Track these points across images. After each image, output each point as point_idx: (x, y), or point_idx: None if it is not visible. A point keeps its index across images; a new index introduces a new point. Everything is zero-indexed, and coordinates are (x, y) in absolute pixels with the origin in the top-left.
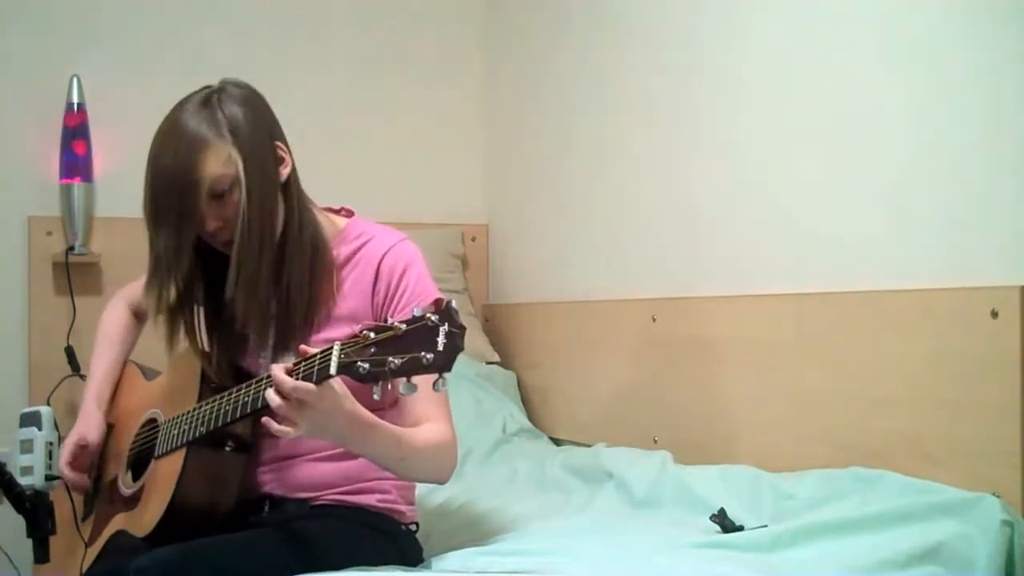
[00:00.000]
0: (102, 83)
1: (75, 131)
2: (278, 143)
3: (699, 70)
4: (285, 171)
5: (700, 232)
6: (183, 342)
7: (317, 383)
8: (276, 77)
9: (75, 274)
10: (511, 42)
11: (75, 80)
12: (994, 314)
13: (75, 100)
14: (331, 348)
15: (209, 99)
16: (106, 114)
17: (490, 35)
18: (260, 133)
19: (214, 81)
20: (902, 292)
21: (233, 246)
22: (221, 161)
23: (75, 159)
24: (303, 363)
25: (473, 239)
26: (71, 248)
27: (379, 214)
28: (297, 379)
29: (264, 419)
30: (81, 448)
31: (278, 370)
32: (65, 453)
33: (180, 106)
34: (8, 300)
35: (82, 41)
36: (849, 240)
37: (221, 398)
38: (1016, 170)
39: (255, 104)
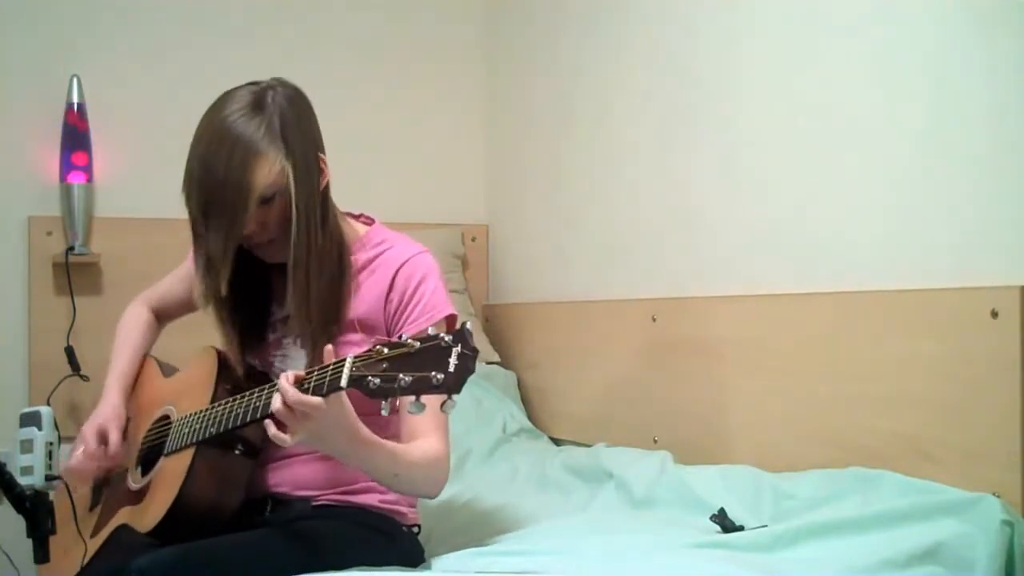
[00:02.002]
0: (102, 83)
1: (75, 131)
2: (321, 155)
3: (699, 70)
4: (324, 182)
5: (700, 232)
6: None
7: (327, 394)
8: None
9: (75, 274)
10: (512, 42)
11: (75, 80)
12: (994, 314)
13: (75, 100)
14: (344, 360)
15: (262, 101)
16: (106, 114)
17: (491, 35)
18: (309, 143)
19: (215, 82)
20: (902, 292)
21: (289, 255)
22: (275, 171)
23: (75, 159)
24: (315, 372)
25: (473, 239)
26: (71, 248)
27: (379, 214)
28: (309, 387)
29: (266, 422)
30: (102, 437)
31: (284, 379)
32: (91, 439)
33: (229, 103)
34: (8, 300)
35: (82, 41)
36: (849, 240)
37: (234, 400)
38: (1017, 170)
39: (304, 111)
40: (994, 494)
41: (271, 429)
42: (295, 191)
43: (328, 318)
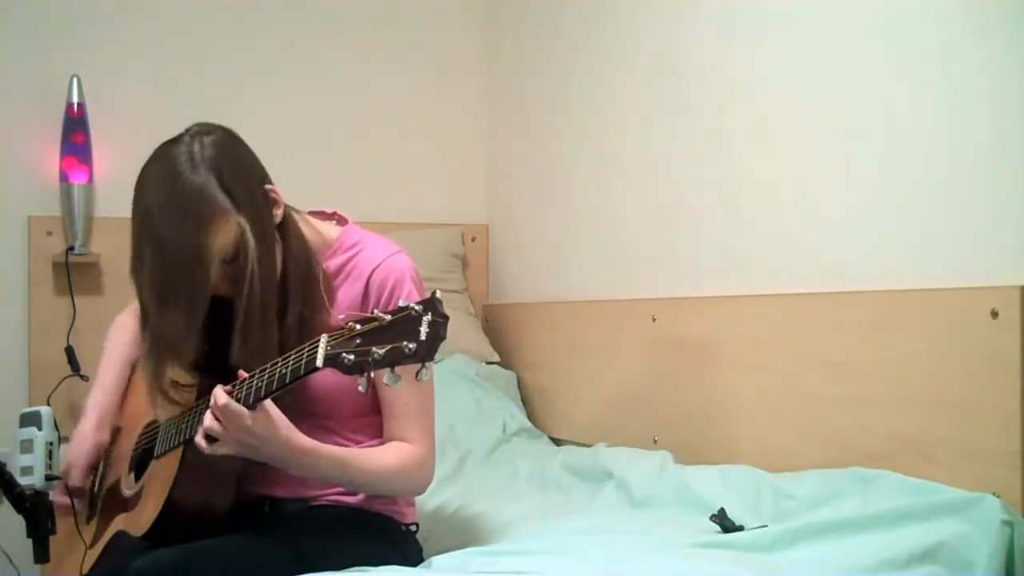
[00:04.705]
0: (102, 83)
1: (75, 130)
2: (268, 187)
3: (699, 70)
4: (279, 212)
5: (700, 232)
6: None
7: (305, 375)
8: (277, 78)
9: (75, 274)
10: (512, 43)
11: (75, 80)
12: (994, 314)
13: (75, 100)
14: (318, 340)
15: (193, 159)
16: (106, 114)
17: (491, 36)
18: (253, 184)
19: (215, 82)
20: (902, 292)
21: (239, 313)
22: (231, 232)
23: (75, 159)
24: (292, 355)
25: (473, 239)
26: (71, 248)
27: (380, 214)
28: (287, 369)
29: (196, 438)
30: (64, 485)
31: (218, 390)
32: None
33: (166, 168)
34: (8, 300)
35: (82, 41)
36: (849, 240)
37: None
38: (1017, 170)
39: (237, 151)
40: (994, 494)
41: (201, 443)
42: (253, 245)
43: (291, 333)
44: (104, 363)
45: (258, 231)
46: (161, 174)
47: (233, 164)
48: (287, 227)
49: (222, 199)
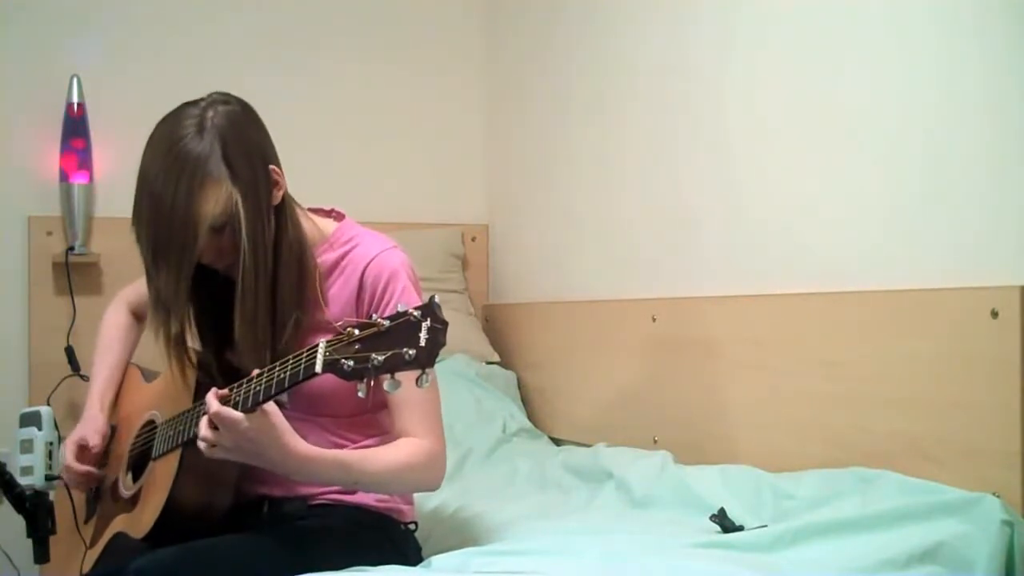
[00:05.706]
0: (102, 83)
1: (75, 131)
2: (272, 167)
3: (699, 70)
4: (279, 194)
5: (700, 232)
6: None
7: (303, 380)
8: (276, 77)
9: (75, 274)
10: (512, 42)
11: (75, 80)
12: (994, 314)
13: (75, 100)
14: (317, 346)
15: (202, 126)
16: (106, 114)
17: (491, 35)
18: (256, 161)
19: (215, 82)
20: (902, 292)
21: (236, 283)
22: (222, 200)
23: (75, 159)
24: (291, 359)
25: (473, 239)
26: (71, 248)
27: (379, 214)
28: (285, 374)
29: (198, 442)
30: (82, 448)
31: (210, 396)
32: (68, 453)
33: (173, 130)
34: (8, 300)
35: (82, 41)
36: (849, 240)
37: None
38: (1017, 170)
39: (246, 126)
40: (994, 494)
41: (202, 444)
42: (244, 216)
43: (283, 326)
44: (99, 358)
45: (252, 206)
46: (167, 133)
47: (239, 137)
48: (285, 211)
49: (220, 169)
